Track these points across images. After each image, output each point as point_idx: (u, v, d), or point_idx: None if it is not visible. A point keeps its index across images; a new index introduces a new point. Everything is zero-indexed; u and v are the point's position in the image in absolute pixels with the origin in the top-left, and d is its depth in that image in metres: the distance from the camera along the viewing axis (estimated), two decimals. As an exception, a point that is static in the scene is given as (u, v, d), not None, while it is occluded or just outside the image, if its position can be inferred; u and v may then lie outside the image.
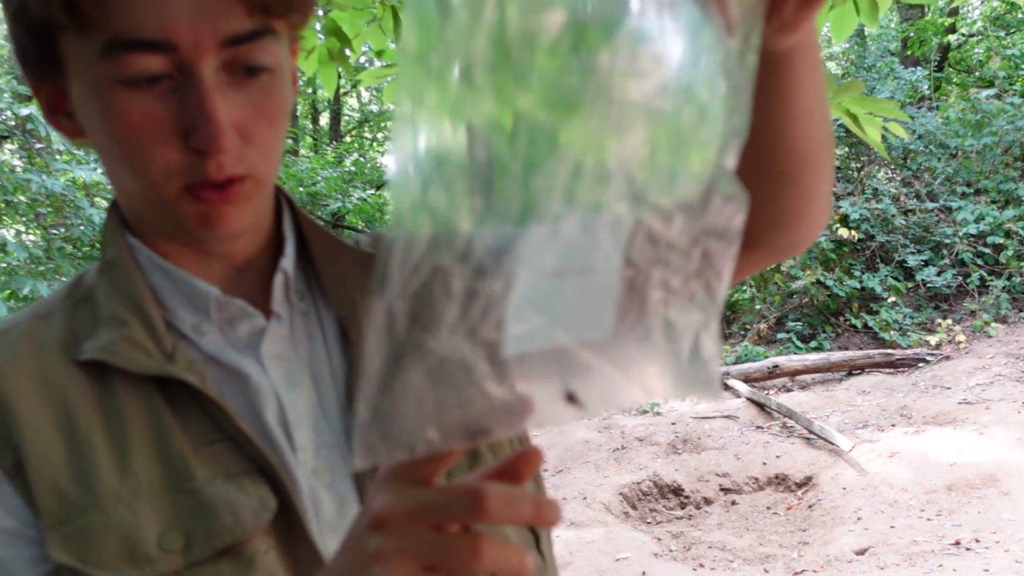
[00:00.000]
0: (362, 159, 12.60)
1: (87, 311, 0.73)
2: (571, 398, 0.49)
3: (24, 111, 5.89)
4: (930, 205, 8.48)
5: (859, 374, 7.11)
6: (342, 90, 13.93)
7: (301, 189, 9.43)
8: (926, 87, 10.43)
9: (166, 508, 0.66)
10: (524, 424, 0.47)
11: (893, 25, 11.62)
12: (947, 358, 7.05)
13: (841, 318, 8.21)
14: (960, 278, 8.04)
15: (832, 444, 5.42)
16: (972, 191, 8.54)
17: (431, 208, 0.41)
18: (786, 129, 0.70)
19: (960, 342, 7.30)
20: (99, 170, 5.93)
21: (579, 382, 0.48)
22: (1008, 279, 7.84)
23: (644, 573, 4.12)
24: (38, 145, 6.39)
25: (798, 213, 0.77)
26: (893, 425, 5.74)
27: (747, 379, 7.04)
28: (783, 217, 0.76)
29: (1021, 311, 7.64)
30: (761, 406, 6.37)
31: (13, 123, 6.30)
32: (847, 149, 9.08)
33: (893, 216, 8.37)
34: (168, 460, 0.68)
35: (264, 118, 0.68)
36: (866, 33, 10.86)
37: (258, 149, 0.68)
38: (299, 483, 0.71)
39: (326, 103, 15.67)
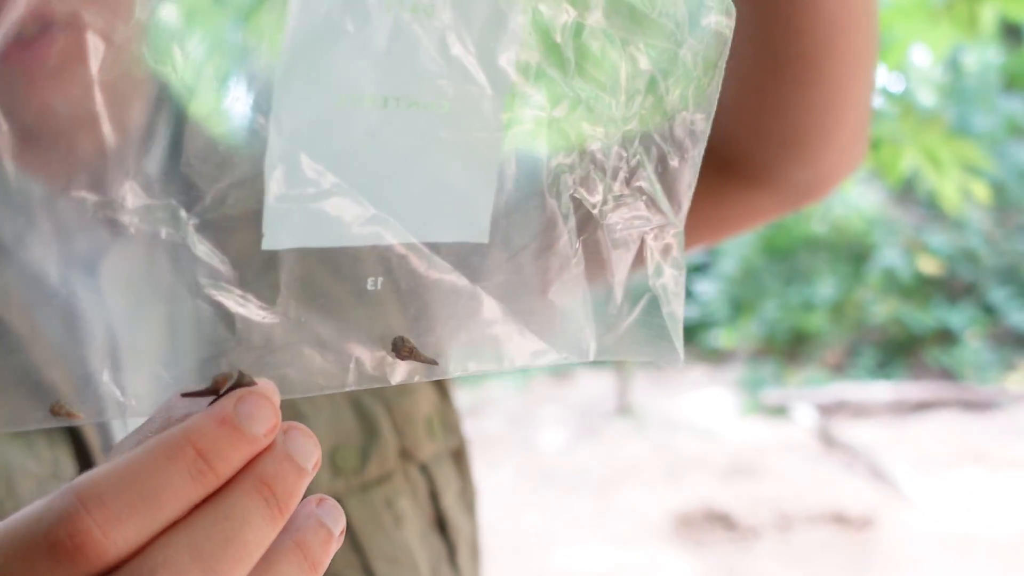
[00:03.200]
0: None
1: None
2: (401, 346, 0.34)
3: None
4: (1022, 244, 8.09)
5: (932, 411, 6.80)
6: None
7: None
8: (1025, 120, 9.98)
9: None
10: (293, 388, 0.33)
11: (992, 54, 11.16)
12: (1028, 402, 6.71)
13: (916, 352, 7.87)
14: (1047, 320, 7.65)
15: (898, 483, 5.17)
16: (1067, 230, 8.13)
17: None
18: None
19: (1043, 386, 6.95)
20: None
21: (423, 320, 0.34)
22: (1100, 325, 7.42)
23: (686, 601, 3.95)
24: None
25: (823, 132, 0.59)
26: (966, 468, 5.45)
27: (813, 407, 6.78)
28: (802, 135, 0.59)
29: (1112, 360, 7.23)
30: (825, 437, 6.12)
31: None
32: (935, 178, 8.71)
33: (979, 251, 7.99)
34: None
35: None
36: (961, 61, 10.45)
37: None
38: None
39: None
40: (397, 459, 0.68)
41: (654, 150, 0.40)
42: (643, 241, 0.41)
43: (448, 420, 0.75)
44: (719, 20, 0.39)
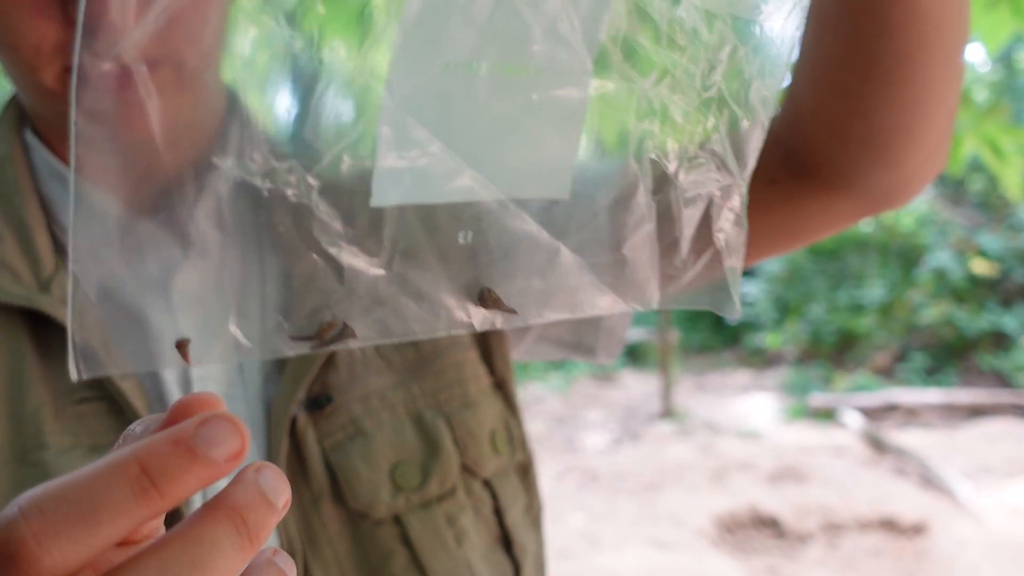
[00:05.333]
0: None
1: None
2: (486, 297, 0.37)
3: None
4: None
5: (985, 417, 6.67)
6: None
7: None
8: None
9: (1, 483, 0.52)
10: (392, 332, 0.35)
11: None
12: (1086, 409, 6.56)
13: (969, 356, 7.73)
14: (1107, 324, 7.47)
15: (950, 490, 5.07)
16: None
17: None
18: None
19: (1102, 393, 6.79)
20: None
21: (506, 271, 0.37)
22: None
23: (733, 607, 3.91)
24: None
25: (910, 134, 0.57)
26: (1021, 477, 5.34)
27: (861, 411, 6.69)
28: (888, 137, 0.57)
29: None
30: (874, 441, 6.03)
31: None
32: (987, 177, 8.54)
33: (1035, 252, 7.84)
34: (19, 419, 0.53)
35: None
36: (1017, 59, 10.24)
37: (174, 27, 0.54)
38: None
39: None
40: (459, 475, 0.67)
41: (726, 113, 0.43)
42: (710, 199, 0.44)
43: (514, 434, 0.73)
44: None
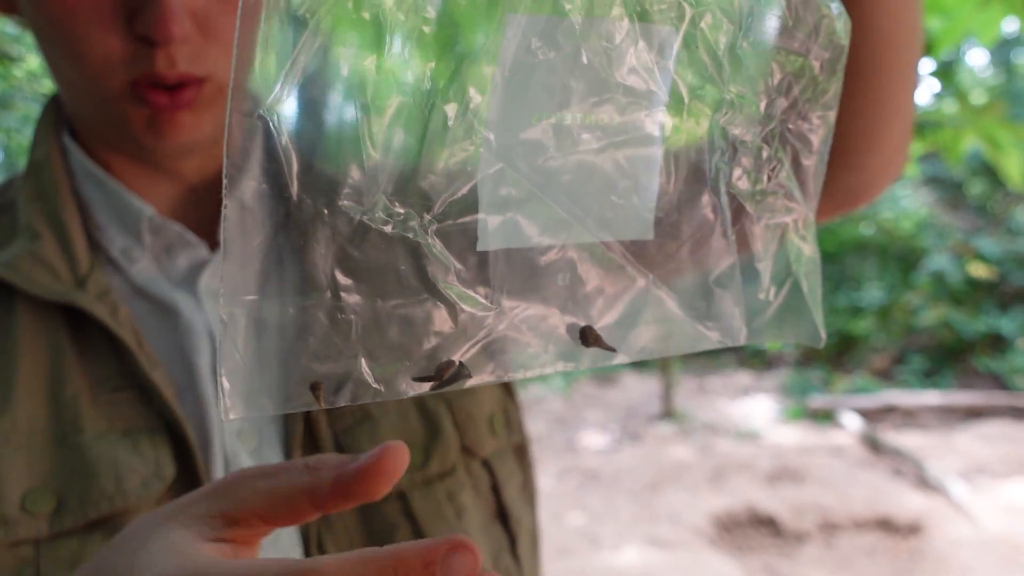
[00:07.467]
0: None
1: (8, 220, 0.63)
2: (587, 335, 0.38)
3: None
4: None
5: (982, 419, 6.67)
6: None
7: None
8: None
9: (43, 463, 0.56)
10: (503, 371, 0.37)
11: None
12: (1082, 411, 6.55)
13: (966, 359, 7.73)
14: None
15: (946, 491, 5.08)
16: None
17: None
18: (860, 9, 0.56)
19: (1098, 396, 6.78)
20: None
21: (603, 309, 0.38)
22: None
23: (730, 604, 3.93)
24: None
25: (869, 140, 0.63)
26: (1016, 477, 5.35)
27: (860, 413, 6.70)
28: (850, 145, 0.62)
29: None
30: (871, 443, 6.04)
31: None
32: (986, 182, 8.56)
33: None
34: (58, 406, 0.57)
35: (231, 7, 0.57)
36: (1014, 62, 10.24)
37: (222, 46, 0.57)
38: (214, 448, 0.60)
39: None
40: (459, 455, 0.70)
41: (789, 148, 0.44)
42: (784, 229, 0.45)
43: (511, 418, 0.78)
44: (839, 29, 0.44)
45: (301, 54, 0.32)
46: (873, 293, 8.14)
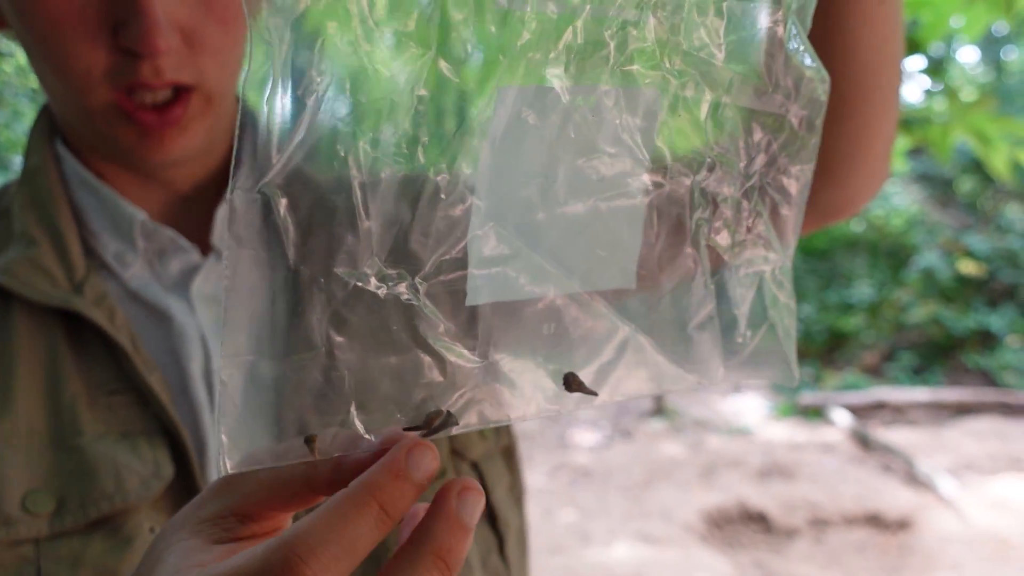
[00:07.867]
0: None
1: (3, 227, 0.63)
2: (570, 381, 0.39)
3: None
4: (1064, 244, 7.95)
5: (971, 415, 6.71)
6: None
7: None
8: (1070, 120, 9.80)
9: (42, 464, 0.56)
10: (490, 416, 0.38)
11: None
12: (1070, 408, 6.59)
13: (956, 355, 7.77)
14: (1092, 324, 7.51)
15: (935, 486, 5.11)
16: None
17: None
18: (843, 41, 0.58)
19: (1086, 392, 6.82)
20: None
21: (585, 356, 0.40)
22: None
23: (720, 600, 3.95)
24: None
25: (851, 160, 0.64)
26: (1004, 473, 5.38)
27: (850, 409, 6.74)
28: (833, 164, 0.64)
29: None
30: (861, 439, 6.08)
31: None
32: (976, 179, 8.60)
33: (1020, 253, 7.88)
34: (56, 408, 0.58)
35: (216, 19, 0.57)
36: (1004, 59, 10.29)
37: (209, 55, 0.58)
38: (210, 449, 0.61)
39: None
40: (449, 458, 0.71)
41: (768, 200, 0.46)
42: (761, 277, 0.47)
43: None
44: (817, 87, 0.46)
45: (299, 132, 0.33)
46: (863, 290, 8.17)
